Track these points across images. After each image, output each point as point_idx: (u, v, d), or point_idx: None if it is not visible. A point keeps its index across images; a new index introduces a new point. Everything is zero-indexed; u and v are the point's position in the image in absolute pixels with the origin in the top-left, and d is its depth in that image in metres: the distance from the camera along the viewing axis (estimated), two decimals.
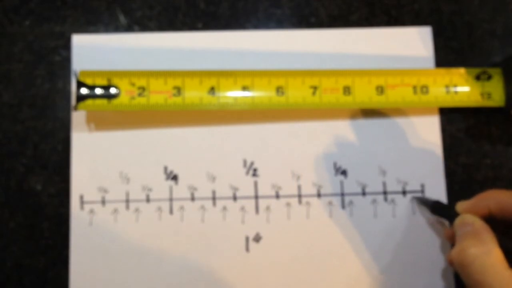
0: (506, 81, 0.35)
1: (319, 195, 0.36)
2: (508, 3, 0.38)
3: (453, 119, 0.37)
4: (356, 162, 0.36)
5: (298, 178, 0.36)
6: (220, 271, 0.35)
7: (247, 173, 0.36)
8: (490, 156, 0.36)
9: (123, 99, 0.34)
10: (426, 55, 0.37)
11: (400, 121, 0.36)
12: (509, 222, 0.30)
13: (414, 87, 0.35)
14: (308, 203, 0.36)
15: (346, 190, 0.36)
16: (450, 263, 0.33)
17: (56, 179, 0.35)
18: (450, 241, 0.34)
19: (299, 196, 0.36)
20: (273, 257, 0.35)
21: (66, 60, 0.37)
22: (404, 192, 0.36)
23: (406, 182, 0.36)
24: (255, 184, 0.36)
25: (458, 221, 0.31)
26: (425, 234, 0.35)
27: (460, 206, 0.32)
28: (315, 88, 0.35)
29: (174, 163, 0.36)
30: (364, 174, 0.36)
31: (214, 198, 0.35)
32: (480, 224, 0.29)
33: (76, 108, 0.34)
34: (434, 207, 0.34)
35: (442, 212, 0.33)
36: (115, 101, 0.34)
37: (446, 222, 0.34)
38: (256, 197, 0.36)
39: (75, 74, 0.34)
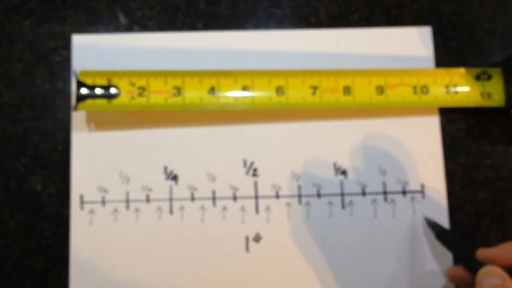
0: (506, 81, 0.35)
1: (319, 195, 0.36)
2: (508, 3, 0.38)
3: (453, 119, 0.37)
4: (356, 162, 0.36)
5: (298, 178, 0.36)
6: (220, 271, 0.35)
7: (247, 173, 0.36)
8: (490, 156, 0.36)
9: (123, 99, 0.34)
10: (426, 55, 0.37)
11: (400, 121, 0.36)
12: None
13: (414, 87, 0.35)
14: (308, 203, 0.36)
15: (346, 190, 0.36)
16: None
17: (56, 179, 0.35)
18: (453, 280, 0.33)
19: (299, 196, 0.36)
20: (273, 257, 0.35)
21: (66, 60, 0.37)
22: (404, 192, 0.36)
23: (406, 182, 0.36)
24: (255, 184, 0.36)
25: (484, 271, 0.30)
26: (425, 234, 0.35)
27: (482, 253, 0.31)
28: (315, 88, 0.35)
29: (174, 163, 0.36)
30: (364, 174, 0.36)
31: (214, 198, 0.35)
32: (510, 282, 0.28)
33: (76, 108, 0.34)
34: (439, 234, 0.33)
35: (446, 242, 0.33)
36: (115, 101, 0.34)
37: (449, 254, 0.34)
38: (256, 197, 0.36)
39: (75, 74, 0.34)
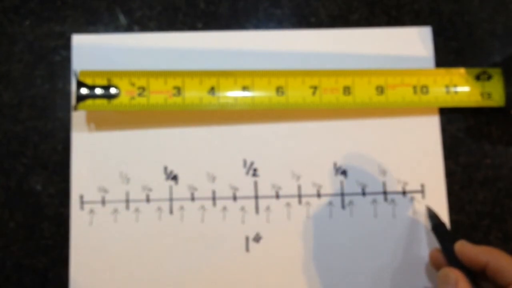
0: (506, 81, 0.35)
1: (319, 195, 0.36)
2: (508, 3, 0.38)
3: (453, 119, 0.37)
4: (356, 162, 0.36)
5: (298, 178, 0.36)
6: (220, 271, 0.35)
7: (247, 173, 0.36)
8: (490, 156, 0.36)
9: (123, 99, 0.34)
10: (426, 55, 0.37)
11: (400, 121, 0.36)
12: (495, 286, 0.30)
13: (414, 87, 0.35)
14: (308, 203, 0.36)
15: (346, 190, 0.36)
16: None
17: (56, 179, 0.35)
18: (433, 264, 0.33)
19: (299, 196, 0.36)
20: (273, 257, 0.35)
21: (66, 60, 0.37)
22: (404, 192, 0.36)
23: (406, 182, 0.36)
24: (255, 184, 0.36)
25: (442, 274, 0.30)
26: (425, 234, 0.35)
27: (460, 246, 0.31)
28: (315, 88, 0.35)
29: (174, 163, 0.36)
30: (364, 174, 0.36)
31: (214, 198, 0.35)
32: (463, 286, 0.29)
33: (76, 108, 0.34)
34: (436, 226, 0.33)
35: (440, 235, 0.33)
36: (115, 101, 0.34)
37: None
38: (256, 197, 0.36)
39: (75, 74, 0.34)
